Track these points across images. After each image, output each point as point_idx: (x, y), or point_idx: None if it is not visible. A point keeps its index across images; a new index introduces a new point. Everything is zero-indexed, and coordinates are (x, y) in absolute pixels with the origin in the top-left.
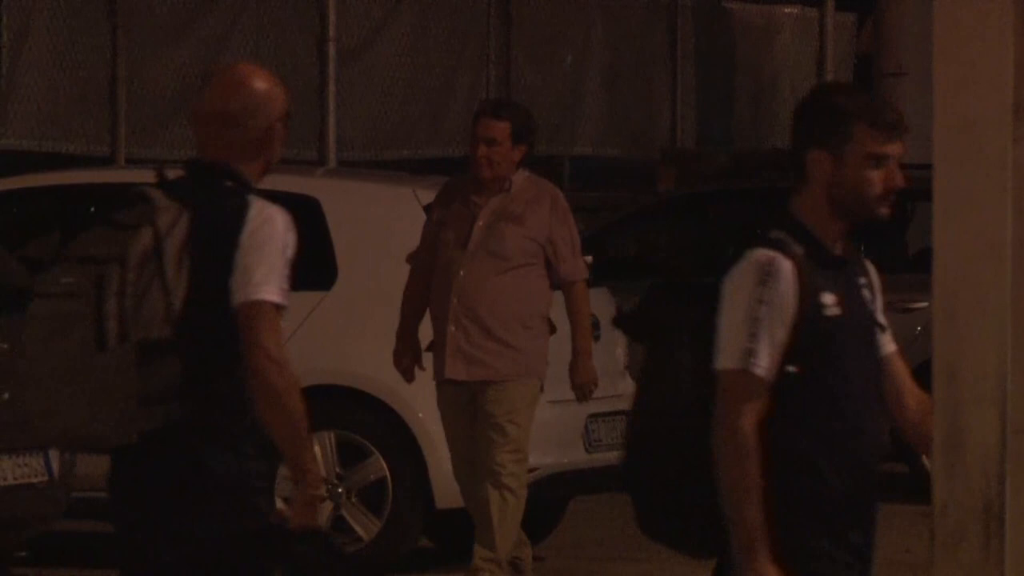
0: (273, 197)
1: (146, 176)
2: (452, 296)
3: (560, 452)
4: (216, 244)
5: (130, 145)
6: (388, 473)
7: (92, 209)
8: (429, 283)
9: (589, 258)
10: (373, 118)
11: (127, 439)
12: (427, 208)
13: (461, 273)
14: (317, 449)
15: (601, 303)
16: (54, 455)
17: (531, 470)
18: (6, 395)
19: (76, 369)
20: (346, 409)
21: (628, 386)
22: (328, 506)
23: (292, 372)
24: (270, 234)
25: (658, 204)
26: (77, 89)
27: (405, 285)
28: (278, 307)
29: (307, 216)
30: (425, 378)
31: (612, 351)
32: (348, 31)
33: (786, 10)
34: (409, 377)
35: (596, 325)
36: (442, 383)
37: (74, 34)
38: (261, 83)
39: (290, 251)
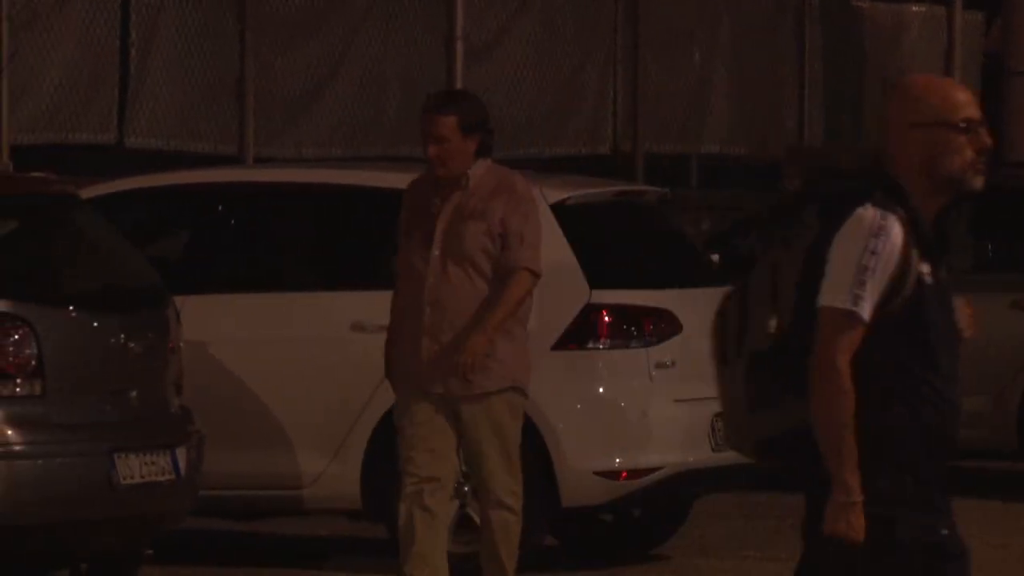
0: (397, 195)
1: (280, 175)
2: (423, 306)
3: (686, 451)
4: (823, 253)
5: (258, 144)
6: None
7: (220, 208)
8: None
9: (715, 256)
10: (500, 116)
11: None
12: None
13: (430, 280)
14: None
15: None
16: (181, 453)
17: (656, 469)
18: (134, 393)
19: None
20: None
21: None
22: (454, 504)
23: (839, 382)
24: (849, 236)
25: (785, 202)
26: (205, 88)
27: (393, 292)
28: (844, 313)
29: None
30: (551, 376)
31: None
32: (475, 29)
33: (914, 8)
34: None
35: None
36: (417, 395)
37: (202, 33)
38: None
39: (873, 258)
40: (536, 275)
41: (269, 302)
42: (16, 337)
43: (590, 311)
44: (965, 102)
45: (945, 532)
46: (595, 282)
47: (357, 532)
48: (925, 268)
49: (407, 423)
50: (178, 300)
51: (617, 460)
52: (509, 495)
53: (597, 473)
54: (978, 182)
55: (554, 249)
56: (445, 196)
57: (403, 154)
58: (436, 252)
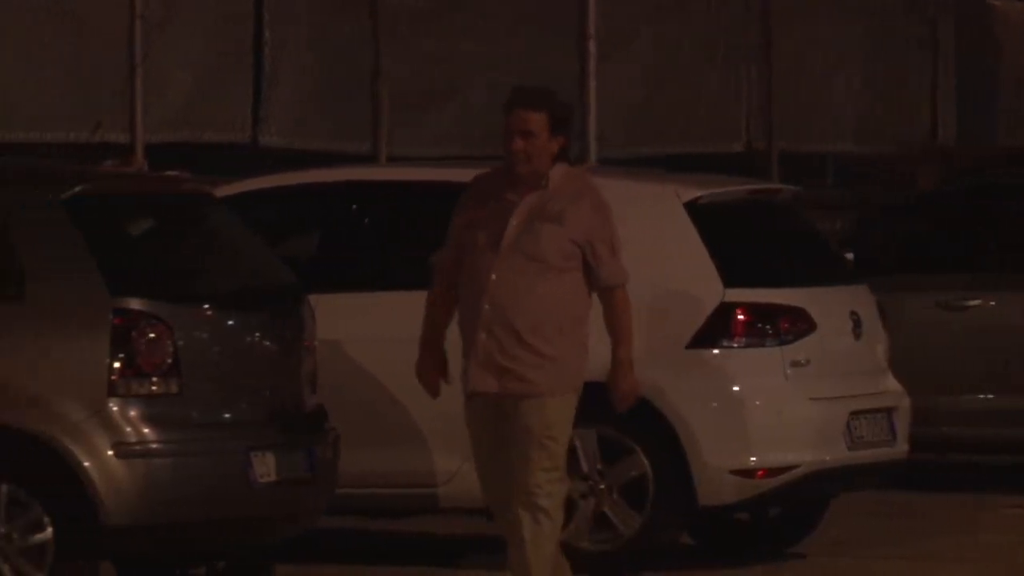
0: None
1: (412, 173)
2: (483, 302)
3: (822, 449)
4: None
5: (391, 142)
6: (649, 469)
7: (354, 207)
8: (455, 287)
9: (849, 255)
10: (631, 115)
11: None
12: (458, 204)
13: (493, 277)
14: (578, 445)
15: (861, 300)
16: (317, 451)
17: (792, 467)
18: (269, 391)
19: None
20: (607, 406)
21: (890, 384)
22: (591, 502)
23: None
24: None
25: (918, 200)
26: (339, 86)
27: (429, 290)
28: None
29: None
30: (686, 375)
31: (873, 349)
32: (607, 27)
33: None
34: (434, 391)
35: (858, 323)
36: (471, 396)
37: (336, 31)
38: None
39: None
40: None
41: (402, 300)
42: (152, 336)
43: (725, 310)
44: None
45: None
46: (729, 281)
47: (493, 531)
48: None
49: (472, 434)
50: (312, 299)
51: (753, 459)
52: (545, 497)
53: (733, 472)
54: None
55: (688, 248)
56: (522, 195)
57: None
58: (506, 249)
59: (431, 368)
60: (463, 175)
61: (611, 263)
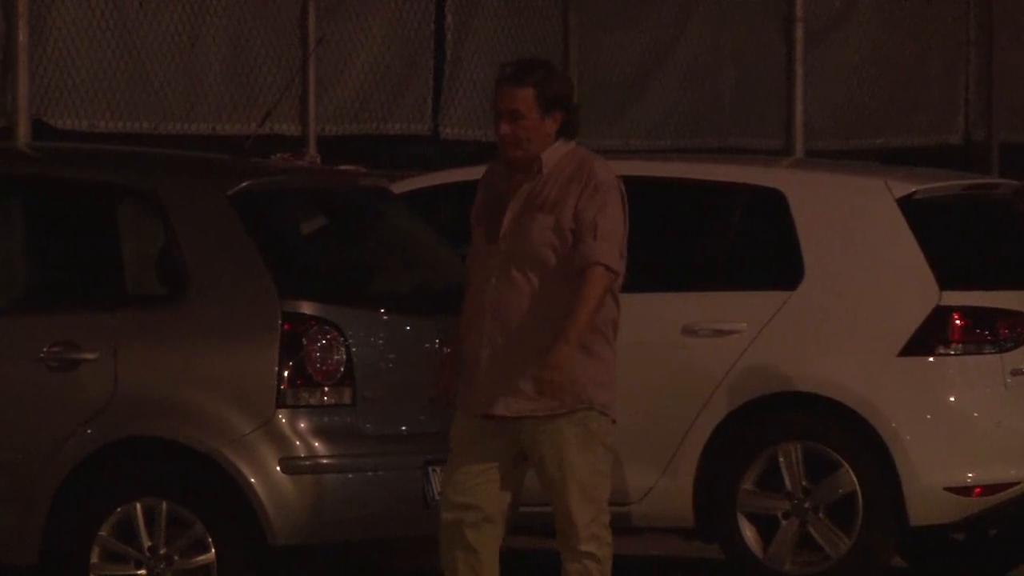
0: (734, 190)
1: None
2: (485, 311)
3: None
4: None
5: (583, 134)
6: (858, 487)
7: None
8: None
9: None
10: (842, 104)
11: None
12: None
13: (493, 281)
14: (781, 460)
15: None
16: None
17: (1013, 484)
18: None
19: None
20: (812, 418)
21: None
22: (794, 523)
23: None
24: None
25: None
26: None
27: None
28: None
29: (771, 210)
30: (898, 384)
31: None
32: (815, 9)
33: None
34: (442, 402)
35: None
36: (467, 416)
37: (522, 14)
38: None
39: None
40: (613, 272)
41: None
42: (324, 342)
43: (940, 314)
44: None
45: None
46: (945, 282)
47: (690, 552)
48: None
49: (455, 446)
50: None
51: (970, 475)
52: (590, 541)
53: (948, 489)
54: None
55: (901, 247)
56: (516, 184)
57: (738, 145)
58: (503, 248)
59: (448, 378)
60: (658, 170)
61: (588, 242)
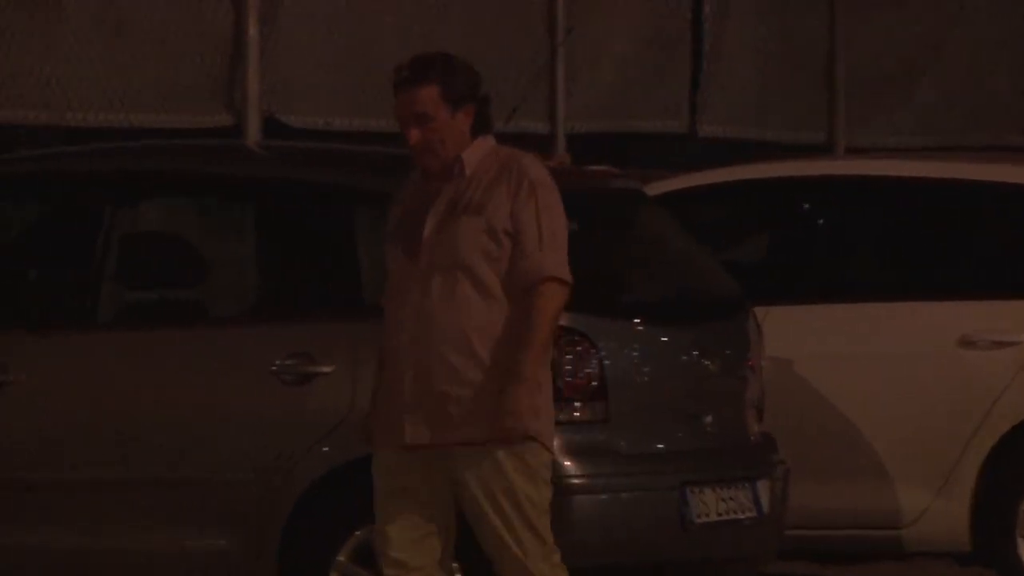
0: (983, 189)
1: (874, 167)
2: (405, 329)
3: None
4: None
5: (848, 132)
6: None
7: (806, 206)
8: None
9: None
10: None
11: None
12: None
13: (414, 296)
14: None
15: None
16: (764, 487)
17: None
18: (709, 418)
19: None
20: None
21: None
22: None
23: None
24: None
25: None
26: (788, 69)
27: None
28: None
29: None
30: None
31: None
32: None
33: None
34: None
35: None
36: (388, 450)
37: (784, 4)
38: None
39: None
40: (566, 284)
41: (862, 313)
42: (574, 355)
43: None
44: None
45: None
46: None
47: None
48: None
49: (381, 486)
50: (758, 311)
51: None
52: None
53: None
54: None
55: None
56: (436, 190)
57: (1015, 143)
58: (425, 259)
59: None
60: (931, 170)
61: (535, 253)
